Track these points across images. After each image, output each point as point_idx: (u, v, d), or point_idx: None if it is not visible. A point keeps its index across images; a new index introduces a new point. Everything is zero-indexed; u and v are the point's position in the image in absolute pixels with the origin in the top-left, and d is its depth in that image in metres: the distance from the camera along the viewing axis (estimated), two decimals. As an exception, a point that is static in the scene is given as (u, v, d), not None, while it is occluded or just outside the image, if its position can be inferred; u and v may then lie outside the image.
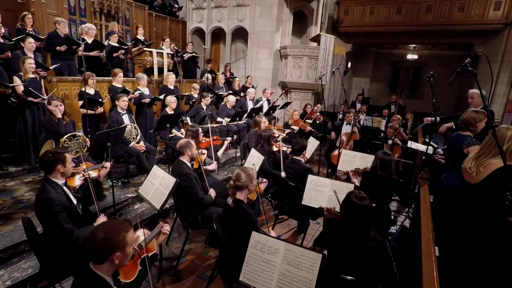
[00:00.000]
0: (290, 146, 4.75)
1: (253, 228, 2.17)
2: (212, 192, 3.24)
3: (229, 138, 4.54)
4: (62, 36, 5.12)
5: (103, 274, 1.53)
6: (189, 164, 3.17)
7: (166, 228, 2.19)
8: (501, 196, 2.05)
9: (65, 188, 2.39)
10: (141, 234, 2.05)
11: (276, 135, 5.04)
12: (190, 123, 5.75)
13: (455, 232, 2.51)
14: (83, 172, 2.65)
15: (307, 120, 6.86)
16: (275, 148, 4.43)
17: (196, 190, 3.01)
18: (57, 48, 4.99)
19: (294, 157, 3.89)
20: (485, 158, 2.14)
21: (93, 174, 2.89)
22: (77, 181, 2.61)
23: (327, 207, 2.66)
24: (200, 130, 4.03)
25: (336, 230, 2.11)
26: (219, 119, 6.15)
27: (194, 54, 7.87)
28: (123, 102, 4.43)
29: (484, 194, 2.14)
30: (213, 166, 3.89)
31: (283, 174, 4.04)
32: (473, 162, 2.20)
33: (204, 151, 3.96)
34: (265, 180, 3.12)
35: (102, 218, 2.46)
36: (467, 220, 2.32)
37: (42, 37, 5.07)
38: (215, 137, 4.65)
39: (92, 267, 1.53)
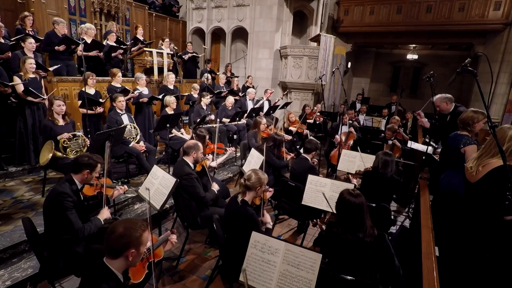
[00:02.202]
0: (293, 154, 4.91)
1: (255, 228, 2.18)
2: (215, 186, 3.26)
3: (232, 149, 4.47)
4: (60, 36, 5.11)
5: (115, 270, 1.59)
6: (192, 165, 3.19)
7: (174, 238, 2.26)
8: (498, 195, 2.06)
9: (80, 193, 2.47)
10: (149, 238, 2.08)
11: (288, 140, 5.10)
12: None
13: (455, 232, 2.51)
14: (100, 185, 2.68)
15: (307, 120, 6.83)
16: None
17: (198, 190, 3.03)
18: (56, 48, 4.98)
19: (303, 154, 3.96)
20: (485, 157, 2.16)
21: (108, 192, 2.86)
22: (92, 191, 2.64)
23: (319, 219, 2.65)
24: (208, 137, 4.05)
25: (335, 228, 2.13)
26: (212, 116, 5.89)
27: (194, 54, 7.86)
28: (119, 103, 4.43)
29: (482, 193, 2.16)
30: (214, 163, 3.99)
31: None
32: (474, 162, 2.23)
33: (209, 156, 4.01)
34: (271, 189, 3.14)
35: (105, 211, 2.51)
36: (467, 220, 2.33)
37: (42, 38, 5.06)
38: (219, 145, 4.66)
39: (106, 262, 1.59)
